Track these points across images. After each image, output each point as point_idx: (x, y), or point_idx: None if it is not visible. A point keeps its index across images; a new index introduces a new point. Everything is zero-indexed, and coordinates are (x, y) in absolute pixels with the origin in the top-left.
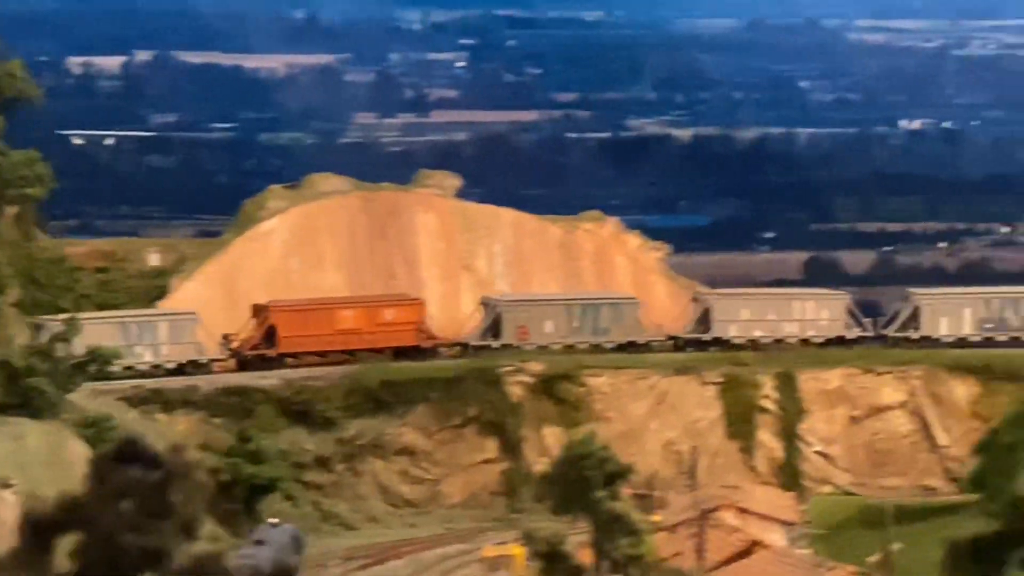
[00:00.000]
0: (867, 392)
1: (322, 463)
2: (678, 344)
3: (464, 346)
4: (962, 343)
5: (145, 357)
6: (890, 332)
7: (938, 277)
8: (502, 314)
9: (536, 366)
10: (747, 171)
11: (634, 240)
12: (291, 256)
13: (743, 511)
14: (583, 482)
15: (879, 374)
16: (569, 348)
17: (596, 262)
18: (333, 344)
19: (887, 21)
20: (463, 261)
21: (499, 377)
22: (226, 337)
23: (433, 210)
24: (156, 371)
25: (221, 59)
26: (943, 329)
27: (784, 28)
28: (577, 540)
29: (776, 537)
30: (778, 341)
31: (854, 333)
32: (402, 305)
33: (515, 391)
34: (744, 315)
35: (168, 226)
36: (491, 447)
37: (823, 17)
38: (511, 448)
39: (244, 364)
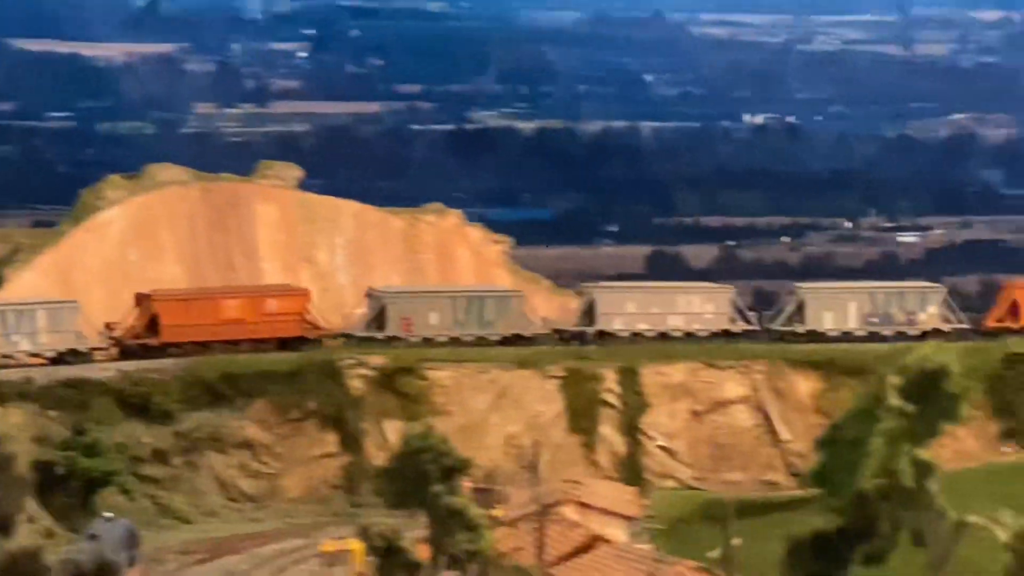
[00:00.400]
0: (710, 386)
1: (159, 456)
2: (563, 337)
3: (349, 337)
4: (847, 337)
5: (22, 346)
6: (775, 326)
7: (781, 272)
8: (387, 306)
9: (377, 359)
10: (590, 165)
11: (477, 233)
12: (129, 247)
13: (584, 506)
14: (420, 477)
15: (721, 368)
16: (455, 340)
17: (438, 255)
18: (217, 334)
19: (732, 15)
20: (303, 253)
21: (339, 370)
22: (108, 326)
23: (274, 201)
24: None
25: (58, 47)
26: (828, 323)
27: (629, 22)
28: (415, 535)
29: (617, 532)
30: (663, 335)
31: (739, 327)
32: (287, 296)
33: (356, 384)
34: (629, 308)
35: (3, 216)
36: (331, 441)
37: (668, 11)
38: (351, 442)
39: (126, 353)
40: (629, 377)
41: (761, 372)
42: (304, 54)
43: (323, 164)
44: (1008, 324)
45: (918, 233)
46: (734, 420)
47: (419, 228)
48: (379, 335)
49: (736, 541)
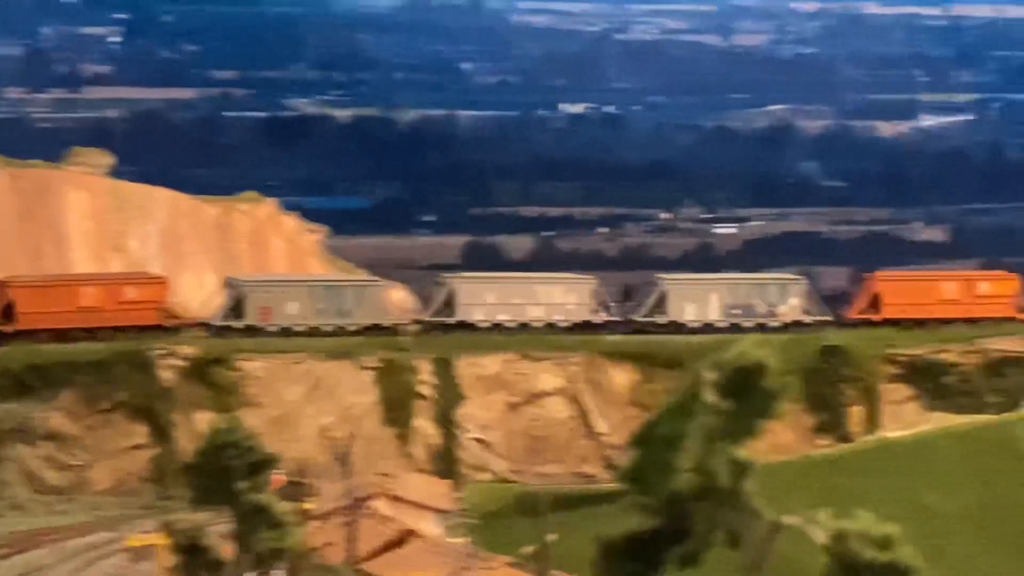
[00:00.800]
0: (525, 378)
1: None
2: (425, 328)
3: (207, 326)
4: (709, 329)
5: None
6: (637, 317)
7: (597, 263)
8: (245, 295)
9: (188, 349)
10: (407, 153)
11: (291, 222)
12: None
13: (397, 500)
14: (224, 472)
15: (537, 360)
16: (314, 330)
17: (252, 244)
18: (73, 322)
19: (551, 3)
20: (114, 242)
21: (150, 360)
22: None
23: (84, 189)
24: None
25: None
26: (689, 314)
27: (446, 9)
28: (220, 532)
29: (430, 526)
30: (523, 325)
31: (600, 318)
32: (144, 284)
33: (166, 375)
34: (489, 299)
35: None
36: (141, 432)
37: None
38: (161, 434)
39: None
40: (444, 368)
41: (577, 364)
42: (117, 39)
43: (135, 151)
44: (870, 316)
45: (735, 224)
46: (550, 412)
47: (233, 217)
48: (237, 324)
49: (550, 536)
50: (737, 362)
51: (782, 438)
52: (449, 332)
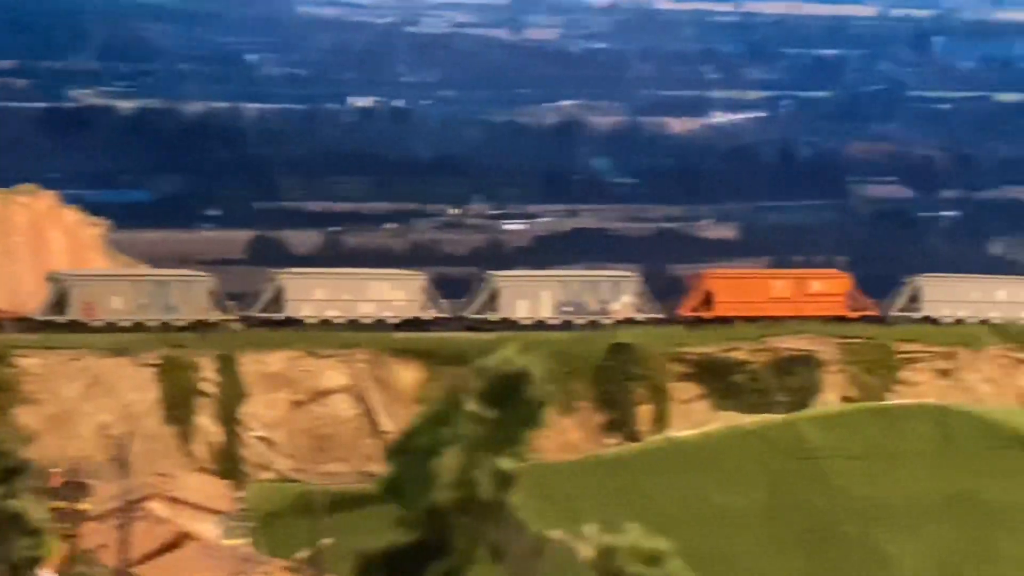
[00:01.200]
0: (309, 375)
1: None
2: (251, 323)
3: (29, 321)
4: (541, 326)
5: None
6: (468, 314)
7: (386, 259)
8: (68, 289)
9: None
10: (192, 146)
11: (72, 215)
12: None
13: (174, 500)
14: None
15: (322, 357)
16: (139, 326)
17: (31, 237)
18: None
19: None
20: None
21: None
22: None
23: None
24: None
25: None
26: (521, 311)
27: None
28: None
29: (208, 528)
30: (352, 322)
31: (431, 314)
32: None
33: None
34: (318, 295)
35: None
36: None
37: None
38: None
39: None
40: (227, 366)
41: (363, 361)
42: None
43: None
44: (702, 314)
45: (525, 221)
46: (335, 410)
47: (11, 210)
48: (60, 319)
49: (325, 540)
50: (500, 369)
51: (570, 437)
52: (277, 328)
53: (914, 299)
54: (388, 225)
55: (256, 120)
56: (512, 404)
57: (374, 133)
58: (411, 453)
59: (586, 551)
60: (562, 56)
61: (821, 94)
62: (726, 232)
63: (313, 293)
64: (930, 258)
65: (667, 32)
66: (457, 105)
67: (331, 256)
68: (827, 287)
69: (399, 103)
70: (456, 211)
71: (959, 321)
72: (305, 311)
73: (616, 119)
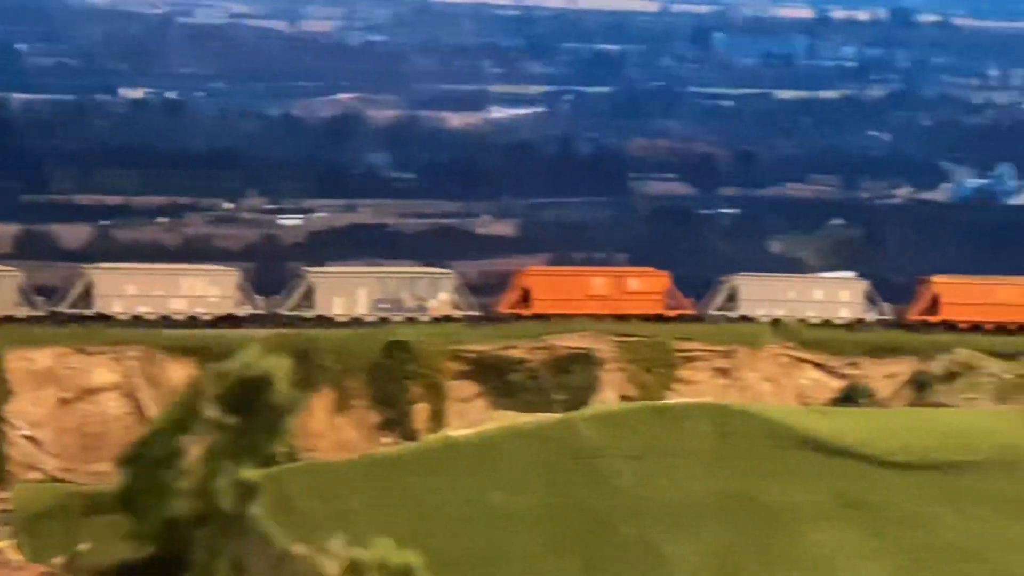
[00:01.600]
0: (78, 373)
1: None
2: (60, 320)
3: None
4: (357, 323)
5: None
6: (284, 311)
7: (159, 254)
8: None
9: None
10: None
11: None
12: None
13: None
14: None
15: (91, 354)
16: None
17: None
18: None
19: None
20: None
21: None
22: None
23: None
24: None
25: None
26: (337, 308)
27: None
28: None
29: None
30: (165, 318)
31: (245, 311)
32: None
33: None
34: (130, 291)
35: None
36: None
37: None
38: None
39: None
40: None
41: (134, 358)
42: None
43: None
44: (520, 311)
45: (300, 216)
46: (104, 408)
47: None
48: None
49: (83, 545)
50: (240, 373)
51: (345, 435)
52: (86, 324)
53: (731, 298)
54: (160, 219)
55: (24, 111)
56: (254, 410)
57: (146, 125)
58: (145, 462)
59: (331, 567)
60: (340, 48)
61: (602, 89)
62: (505, 228)
63: (124, 289)
64: (711, 256)
65: (447, 25)
66: (232, 97)
67: (101, 251)
68: (646, 285)
69: (172, 95)
70: (230, 205)
71: (775, 321)
72: (116, 307)
73: (394, 113)
